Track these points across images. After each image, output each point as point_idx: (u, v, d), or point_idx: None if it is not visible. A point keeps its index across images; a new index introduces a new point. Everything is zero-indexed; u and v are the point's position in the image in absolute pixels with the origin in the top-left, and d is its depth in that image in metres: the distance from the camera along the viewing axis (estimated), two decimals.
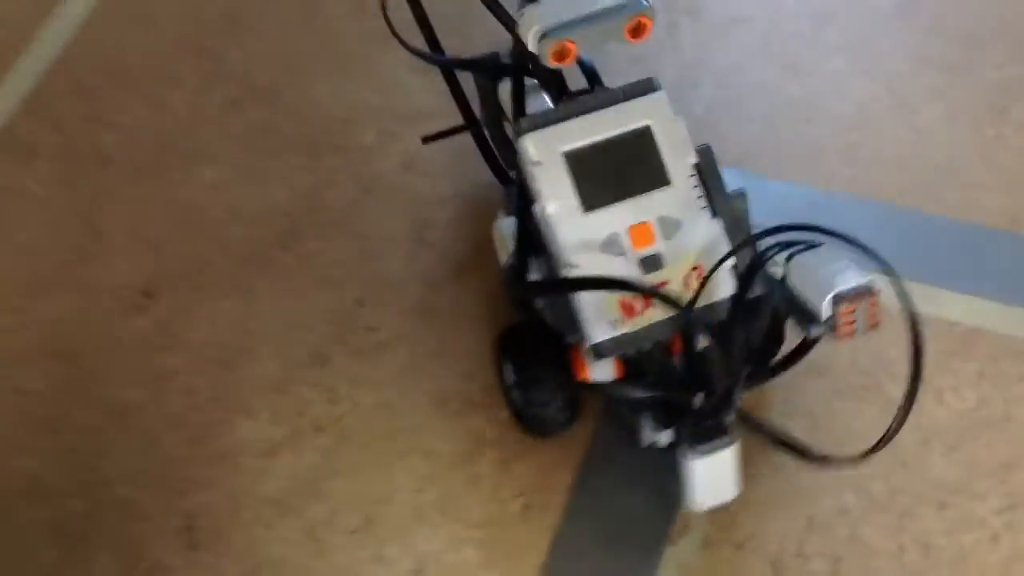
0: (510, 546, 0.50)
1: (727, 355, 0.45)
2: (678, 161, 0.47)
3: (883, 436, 0.44)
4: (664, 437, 0.47)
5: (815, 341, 0.46)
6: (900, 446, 0.52)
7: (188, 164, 0.64)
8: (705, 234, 0.47)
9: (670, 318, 0.46)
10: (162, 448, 0.54)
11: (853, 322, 0.43)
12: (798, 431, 0.52)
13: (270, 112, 0.66)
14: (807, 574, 0.48)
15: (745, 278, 0.45)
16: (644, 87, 0.48)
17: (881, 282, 0.44)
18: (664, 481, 0.51)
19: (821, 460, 0.46)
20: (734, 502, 0.49)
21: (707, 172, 0.48)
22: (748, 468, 0.52)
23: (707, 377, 0.45)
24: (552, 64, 0.46)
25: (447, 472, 0.52)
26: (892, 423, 0.44)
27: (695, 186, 0.47)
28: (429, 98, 0.66)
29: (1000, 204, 0.59)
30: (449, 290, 0.58)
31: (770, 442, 0.47)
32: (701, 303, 0.46)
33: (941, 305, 0.56)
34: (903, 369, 0.54)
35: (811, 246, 0.45)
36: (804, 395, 0.53)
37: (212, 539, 0.51)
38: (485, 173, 0.63)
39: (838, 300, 0.43)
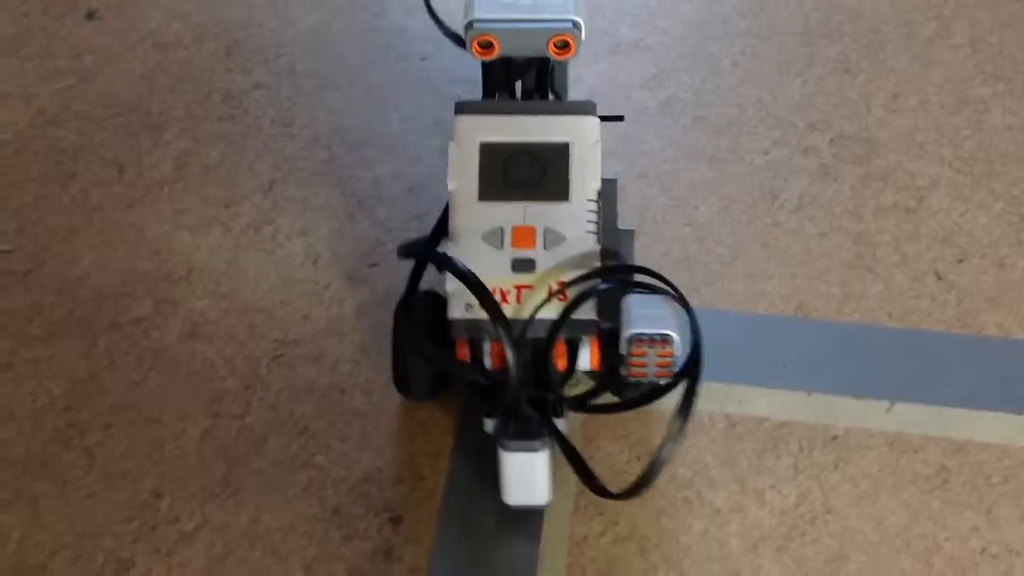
0: None
1: (532, 369, 0.49)
2: (583, 183, 0.50)
3: (646, 470, 0.46)
4: (489, 425, 0.50)
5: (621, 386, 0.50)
6: (730, 555, 0.51)
7: None
8: (582, 255, 0.49)
9: (509, 320, 0.48)
10: None
11: (644, 364, 0.48)
12: (630, 555, 0.52)
13: (34, 295, 0.62)
14: None
15: (570, 306, 0.49)
16: (582, 108, 0.52)
17: (678, 341, 0.48)
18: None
19: (601, 490, 0.48)
20: None
21: (606, 202, 0.51)
22: None
23: (505, 379, 0.48)
24: (477, 55, 0.50)
25: None
26: (655, 459, 0.46)
27: (590, 210, 0.50)
28: (202, 255, 0.63)
29: (785, 291, 0.60)
30: (253, 462, 0.55)
31: (566, 458, 0.49)
32: (540, 316, 0.49)
33: (747, 402, 0.56)
34: (719, 475, 0.54)
35: (652, 291, 0.49)
36: (632, 516, 0.53)
37: None
38: (274, 332, 0.60)
39: (632, 340, 0.48)
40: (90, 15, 0.76)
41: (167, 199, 0.66)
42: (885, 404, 0.56)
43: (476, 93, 0.55)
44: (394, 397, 0.57)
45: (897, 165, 0.65)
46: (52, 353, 0.59)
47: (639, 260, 0.60)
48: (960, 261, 0.61)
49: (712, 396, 0.56)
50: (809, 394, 0.56)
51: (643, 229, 0.63)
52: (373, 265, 0.62)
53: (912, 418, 0.55)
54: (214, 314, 0.61)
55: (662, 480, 0.54)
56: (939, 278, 0.60)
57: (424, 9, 0.57)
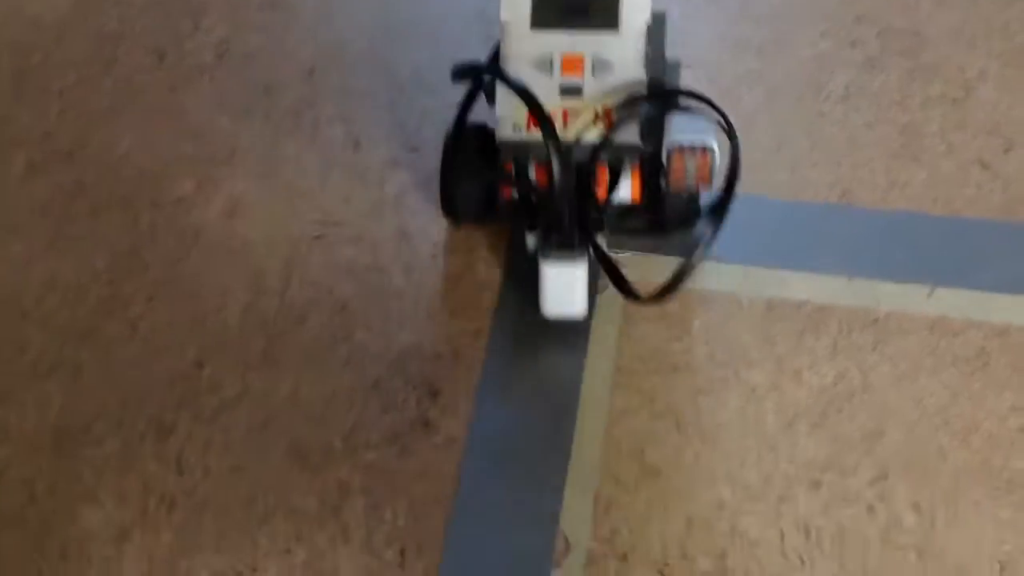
0: None
1: (575, 186, 0.51)
2: (633, 15, 0.52)
3: (680, 268, 0.50)
4: (531, 241, 0.53)
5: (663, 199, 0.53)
6: (766, 431, 0.52)
7: None
8: (629, 83, 0.51)
9: (555, 128, 0.50)
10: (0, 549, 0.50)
11: (683, 174, 0.51)
12: (666, 430, 0.52)
13: (76, 173, 0.62)
14: (694, 574, 0.48)
15: (613, 126, 0.50)
16: None
17: (717, 149, 0.51)
18: (540, 505, 0.50)
19: (631, 292, 0.51)
20: (612, 513, 0.48)
21: (654, 34, 0.52)
22: (619, 473, 0.51)
23: (551, 195, 0.50)
24: None
25: (314, 529, 0.50)
26: (687, 262, 0.50)
27: (639, 41, 0.51)
28: (244, 138, 0.63)
29: (830, 179, 0.60)
30: (293, 337, 0.56)
31: (602, 267, 0.52)
32: (586, 139, 0.51)
33: (787, 287, 0.56)
34: (758, 355, 0.54)
35: (692, 113, 0.51)
36: (669, 393, 0.53)
37: None
38: (314, 213, 0.60)
39: (672, 150, 0.51)
40: None
41: (208, 84, 0.66)
42: (926, 289, 0.55)
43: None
44: (433, 277, 0.57)
45: (945, 58, 0.64)
46: (95, 229, 0.60)
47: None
48: (1007, 151, 0.60)
49: (752, 280, 0.56)
50: (850, 279, 0.56)
51: None
52: (414, 150, 0.62)
53: (953, 302, 0.55)
54: (255, 195, 0.61)
55: (699, 358, 0.54)
56: (984, 167, 0.60)
57: None
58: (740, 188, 0.52)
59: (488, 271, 0.57)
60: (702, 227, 0.50)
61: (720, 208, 0.50)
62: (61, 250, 0.59)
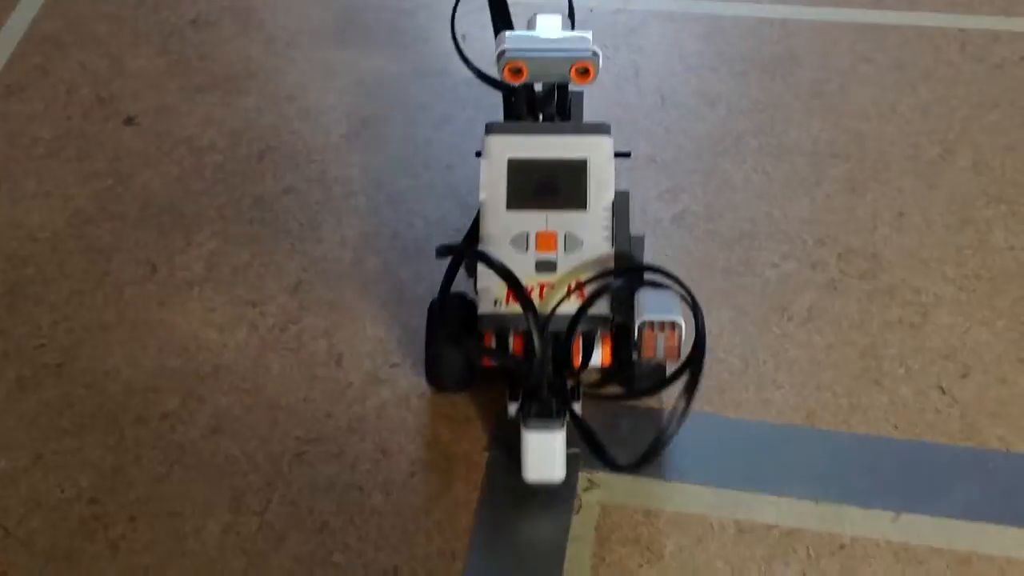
0: None
1: (550, 355, 0.55)
2: (599, 194, 0.57)
3: (657, 438, 0.54)
4: (512, 408, 0.57)
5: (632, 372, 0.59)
6: None
7: None
8: (598, 258, 0.56)
9: (535, 306, 0.54)
10: None
11: (653, 347, 0.55)
12: None
13: (64, 388, 0.64)
14: None
15: (587, 301, 0.55)
16: (597, 128, 0.59)
17: (683, 324, 0.54)
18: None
19: (611, 462, 0.55)
20: None
21: (618, 211, 0.58)
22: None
23: (530, 366, 0.54)
24: (508, 79, 0.59)
25: None
26: (662, 432, 0.54)
27: (605, 218, 0.57)
28: (229, 353, 0.65)
29: (794, 401, 0.62)
30: (272, 559, 0.57)
31: (581, 436, 0.55)
32: (563, 311, 0.55)
33: (756, 509, 0.58)
34: None
35: (659, 288, 0.56)
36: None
37: None
38: (296, 429, 0.62)
39: (643, 326, 0.54)
40: (129, 120, 0.79)
41: (197, 298, 0.68)
42: (891, 514, 0.57)
43: None
44: (411, 496, 0.59)
45: (902, 281, 0.67)
46: (80, 445, 0.61)
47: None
48: (963, 376, 0.63)
49: (722, 502, 0.58)
50: (817, 502, 0.58)
51: None
52: (394, 365, 0.64)
53: (917, 529, 0.56)
54: (239, 410, 0.63)
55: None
56: (943, 392, 0.62)
57: (457, 54, 0.66)
58: (705, 366, 0.55)
59: (466, 491, 0.59)
60: (677, 398, 0.53)
61: (691, 380, 0.53)
62: (46, 467, 0.60)
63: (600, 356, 0.57)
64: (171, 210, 0.73)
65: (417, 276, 0.69)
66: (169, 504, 0.59)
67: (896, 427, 0.61)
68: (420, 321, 0.66)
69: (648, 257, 0.65)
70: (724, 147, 0.75)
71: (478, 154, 0.60)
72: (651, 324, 0.54)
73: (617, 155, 0.59)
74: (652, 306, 0.55)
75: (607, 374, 0.60)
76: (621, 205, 0.59)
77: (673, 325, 0.54)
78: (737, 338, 0.65)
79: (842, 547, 0.56)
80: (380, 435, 0.62)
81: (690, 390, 0.53)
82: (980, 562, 0.55)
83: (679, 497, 0.58)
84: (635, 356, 0.56)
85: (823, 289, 0.67)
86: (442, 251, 0.57)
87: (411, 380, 0.64)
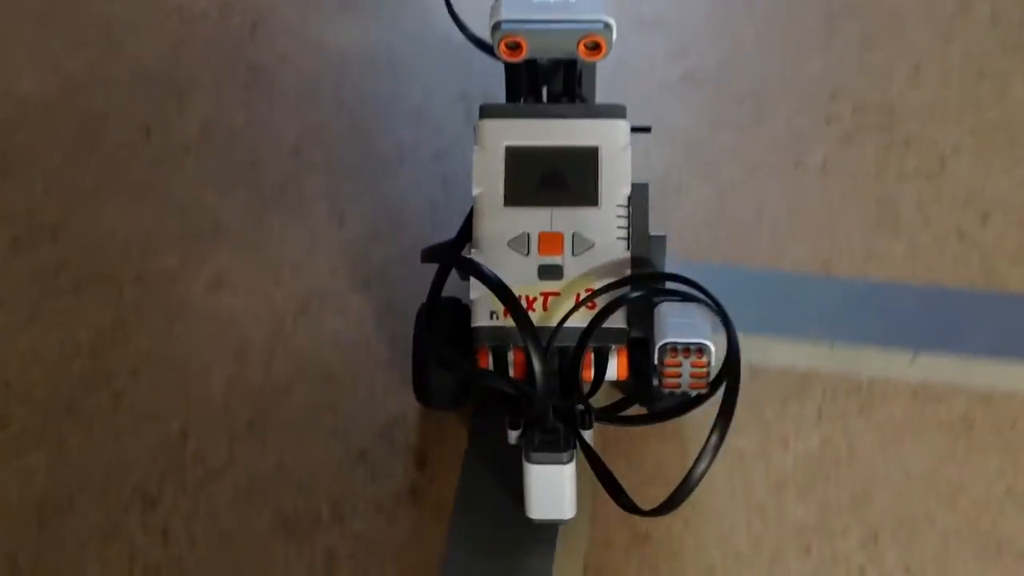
0: None
1: (558, 378, 0.47)
2: (613, 188, 0.49)
3: (681, 485, 0.45)
4: (513, 436, 0.48)
5: (659, 400, 0.49)
6: (754, 496, 0.51)
7: None
8: (612, 262, 0.48)
9: (534, 328, 0.47)
10: None
11: (677, 375, 0.46)
12: (655, 496, 0.51)
13: (60, 249, 0.62)
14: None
15: (599, 315, 0.47)
16: (611, 111, 0.51)
17: (714, 351, 0.46)
18: (529, 566, 0.49)
19: (630, 506, 0.46)
20: None
21: (636, 207, 0.50)
22: (609, 538, 0.50)
23: (533, 390, 0.46)
24: (505, 56, 0.49)
25: None
26: (692, 470, 0.45)
27: (620, 216, 0.49)
28: (228, 213, 0.64)
29: (809, 250, 0.61)
30: (278, 408, 0.56)
31: (594, 472, 0.47)
32: (569, 324, 0.47)
33: (771, 354, 0.56)
34: (745, 421, 0.54)
35: (685, 299, 0.48)
36: (655, 457, 0.53)
37: None
38: (300, 286, 0.61)
39: (665, 350, 0.46)
40: None
41: (193, 161, 0.67)
42: (909, 355, 0.56)
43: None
44: None
45: (919, 133, 0.66)
46: (78, 303, 0.60)
47: (659, 221, 0.60)
48: (983, 222, 0.61)
49: None
50: (833, 346, 0.56)
51: (666, 194, 0.64)
52: (398, 224, 0.63)
53: (936, 369, 0.55)
54: (240, 268, 0.61)
55: (688, 427, 0.54)
56: (962, 237, 0.61)
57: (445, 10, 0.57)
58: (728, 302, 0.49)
59: None
60: (709, 434, 0.45)
61: (726, 404, 0.45)
62: (44, 324, 0.59)
63: (615, 369, 0.49)
64: (163, 78, 0.71)
65: (417, 137, 0.67)
66: (172, 358, 0.58)
67: (914, 273, 0.59)
68: (424, 181, 0.65)
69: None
70: (734, 7, 0.73)
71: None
72: (674, 348, 0.46)
73: (635, 130, 0.51)
74: (675, 325, 0.46)
75: (623, 393, 0.52)
76: (639, 200, 0.50)
77: (701, 349, 0.46)
78: (750, 190, 0.63)
79: (859, 387, 0.55)
80: (385, 290, 0.60)
81: (725, 417, 0.45)
82: (1001, 398, 0.54)
83: None
84: (655, 382, 0.48)
85: (838, 142, 0.65)
86: (428, 256, 0.51)
87: (416, 240, 0.62)
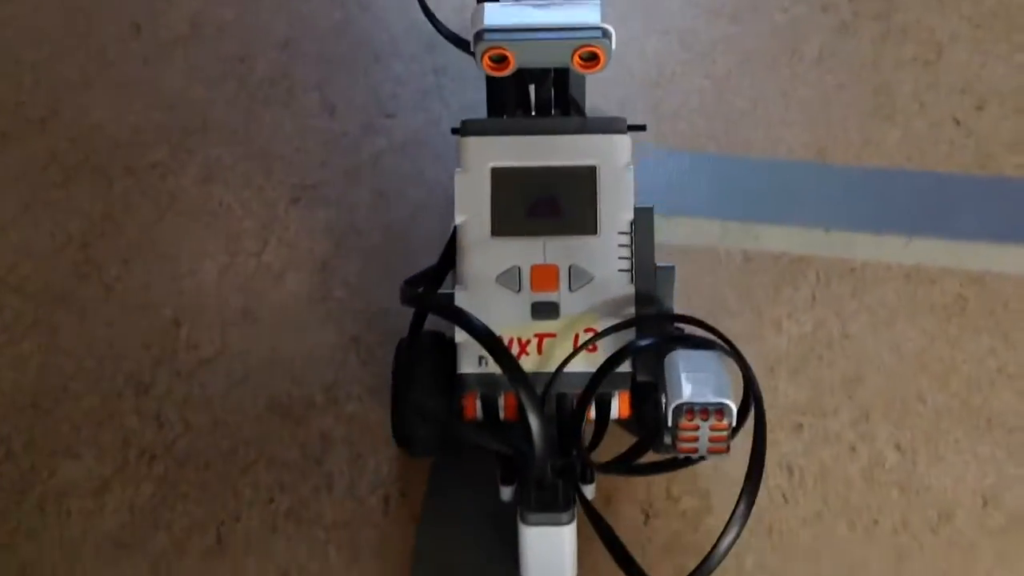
0: (375, 541, 0.47)
1: (561, 429, 0.42)
2: (614, 213, 0.43)
3: (706, 558, 0.39)
4: (506, 493, 0.42)
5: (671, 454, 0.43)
6: None
7: None
8: (614, 298, 0.43)
9: (529, 374, 0.41)
10: None
11: (694, 439, 0.40)
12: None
13: (49, 142, 0.62)
14: (679, 514, 0.47)
15: (611, 360, 0.41)
16: (610, 125, 0.44)
17: (734, 410, 0.40)
18: None
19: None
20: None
21: (641, 235, 0.43)
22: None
23: (530, 443, 0.40)
24: (489, 71, 0.42)
25: (297, 478, 0.49)
26: (719, 542, 0.39)
27: (622, 244, 0.43)
28: (218, 107, 0.63)
29: (804, 139, 0.60)
30: (271, 296, 0.56)
31: (600, 538, 0.41)
32: (570, 369, 0.42)
33: (764, 240, 0.56)
34: (737, 306, 0.54)
35: (703, 347, 0.41)
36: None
37: None
38: (291, 177, 0.60)
39: (681, 411, 0.40)
40: None
41: (182, 56, 0.66)
42: (903, 239, 0.56)
43: None
44: (411, 238, 0.57)
45: (917, 21, 0.65)
46: (68, 195, 0.59)
47: (655, 111, 0.60)
48: (979, 108, 0.61)
49: (729, 234, 0.56)
50: (827, 231, 0.56)
51: (661, 84, 0.63)
52: (390, 116, 0.62)
53: (929, 252, 0.55)
54: (230, 160, 0.61)
55: (678, 309, 0.54)
56: (958, 124, 0.60)
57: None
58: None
59: None
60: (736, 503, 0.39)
61: (754, 464, 0.39)
62: (35, 216, 0.59)
63: (616, 409, 0.44)
64: None
65: (408, 29, 0.66)
66: (163, 248, 0.57)
67: (909, 159, 0.59)
68: (417, 72, 0.64)
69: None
70: None
71: (455, 131, 0.45)
72: (691, 409, 0.40)
73: (631, 128, 0.45)
74: (691, 380, 0.40)
75: (635, 443, 0.45)
76: (643, 226, 0.44)
77: (721, 410, 0.39)
78: (746, 80, 0.63)
79: (852, 271, 0.55)
80: (377, 181, 0.60)
81: (753, 482, 0.38)
82: (993, 280, 0.54)
83: (686, 231, 0.57)
84: (667, 440, 0.42)
85: (835, 31, 0.65)
86: (407, 299, 0.44)
87: (407, 131, 0.62)
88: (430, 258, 0.50)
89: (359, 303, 0.55)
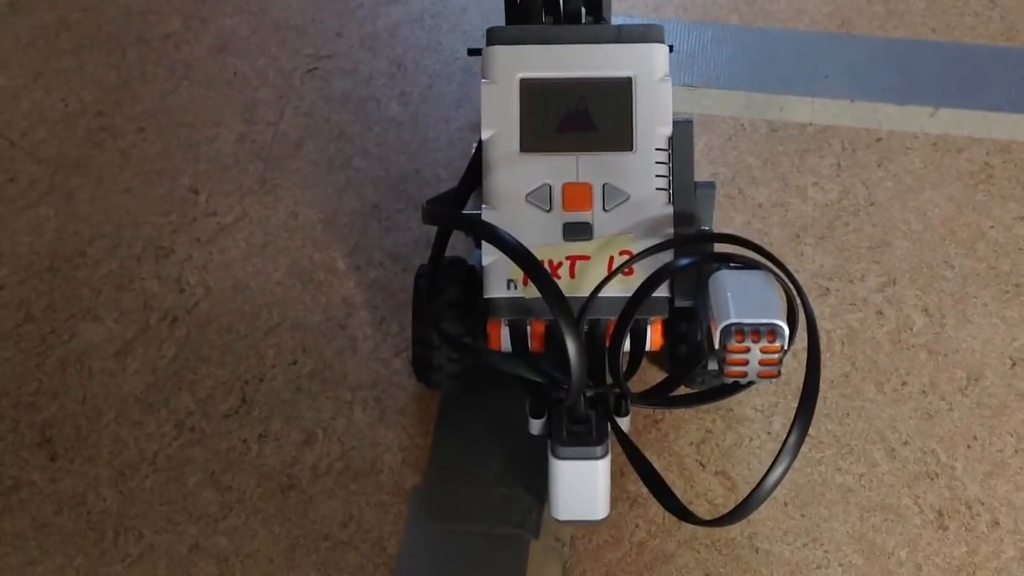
0: (401, 401, 0.47)
1: (594, 358, 0.39)
2: (650, 128, 0.41)
3: (753, 491, 0.36)
4: (535, 426, 0.40)
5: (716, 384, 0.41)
6: (772, 244, 0.51)
7: None
8: (651, 218, 0.40)
9: (566, 302, 0.37)
10: None
11: (744, 362, 0.37)
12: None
13: (60, 11, 0.60)
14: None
15: (649, 282, 0.39)
16: (646, 34, 0.41)
17: (787, 332, 0.37)
18: None
19: (683, 513, 0.38)
20: None
21: (679, 151, 0.41)
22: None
23: (566, 372, 0.37)
24: None
25: (320, 341, 0.49)
26: (767, 475, 0.36)
27: (659, 162, 0.40)
28: None
29: (827, 9, 0.59)
30: (290, 163, 0.55)
31: (637, 472, 0.39)
32: (604, 294, 0.39)
33: (790, 111, 0.56)
34: (762, 174, 0.54)
35: (748, 266, 0.39)
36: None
37: (73, 447, 0.46)
38: (307, 48, 0.59)
39: (730, 332, 0.37)
40: None
41: None
42: (929, 109, 0.55)
43: None
44: (430, 106, 0.56)
45: None
46: (81, 64, 0.58)
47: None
48: None
49: (753, 105, 0.56)
50: (852, 101, 0.56)
51: None
52: None
53: (956, 121, 0.55)
54: (245, 30, 0.60)
55: (703, 177, 0.53)
56: None
57: None
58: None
59: None
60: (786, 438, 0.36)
61: (806, 402, 0.36)
62: (47, 84, 0.58)
63: (649, 339, 0.42)
64: None
65: None
66: (179, 116, 0.56)
67: (934, 30, 0.58)
68: None
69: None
70: None
71: (471, 52, 0.43)
72: (740, 330, 0.37)
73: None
74: (740, 301, 0.37)
75: (670, 372, 0.43)
76: (682, 142, 0.41)
77: (773, 331, 0.37)
78: None
79: (879, 140, 0.54)
80: (394, 51, 0.59)
81: (806, 411, 0.36)
82: (1020, 148, 0.54)
83: (709, 101, 0.56)
84: (709, 364, 0.39)
85: None
86: (429, 217, 0.41)
87: (424, 0, 0.60)
88: (448, 129, 0.48)
89: (379, 171, 0.54)
